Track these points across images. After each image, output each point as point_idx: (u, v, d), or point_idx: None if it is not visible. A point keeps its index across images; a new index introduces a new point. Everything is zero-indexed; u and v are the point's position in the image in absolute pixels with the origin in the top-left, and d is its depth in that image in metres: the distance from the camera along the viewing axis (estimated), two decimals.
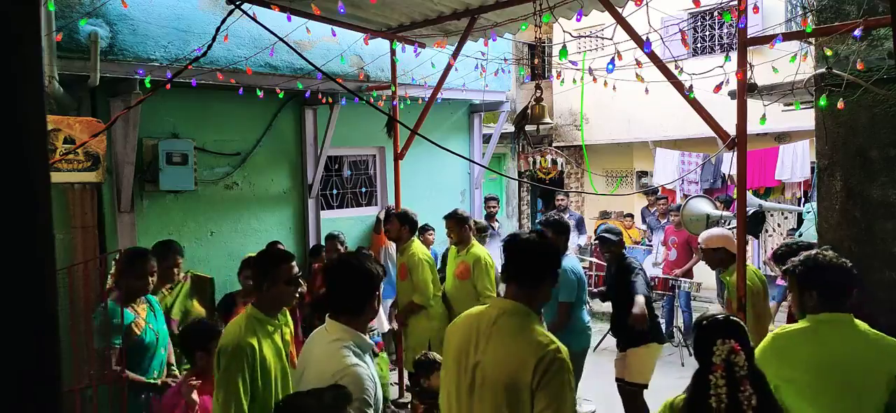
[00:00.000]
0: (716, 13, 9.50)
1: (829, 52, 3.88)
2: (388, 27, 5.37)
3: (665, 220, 8.72)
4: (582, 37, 5.62)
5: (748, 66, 3.58)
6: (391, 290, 5.81)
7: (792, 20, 7.06)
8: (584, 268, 7.92)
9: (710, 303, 8.91)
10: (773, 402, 2.02)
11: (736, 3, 3.60)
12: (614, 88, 4.99)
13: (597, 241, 5.27)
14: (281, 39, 3.80)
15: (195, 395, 3.07)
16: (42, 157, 0.66)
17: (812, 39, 4.19)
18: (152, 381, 3.53)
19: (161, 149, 5.55)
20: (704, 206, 5.84)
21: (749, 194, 6.97)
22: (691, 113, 3.78)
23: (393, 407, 5.64)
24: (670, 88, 3.83)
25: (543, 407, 1.96)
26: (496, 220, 8.45)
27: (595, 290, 5.73)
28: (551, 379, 1.97)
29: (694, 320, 2.24)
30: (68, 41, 4.73)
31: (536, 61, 11.73)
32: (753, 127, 3.87)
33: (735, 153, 3.60)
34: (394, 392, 5.88)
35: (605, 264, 6.72)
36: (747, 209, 4.12)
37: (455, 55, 5.28)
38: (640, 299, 4.54)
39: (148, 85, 4.84)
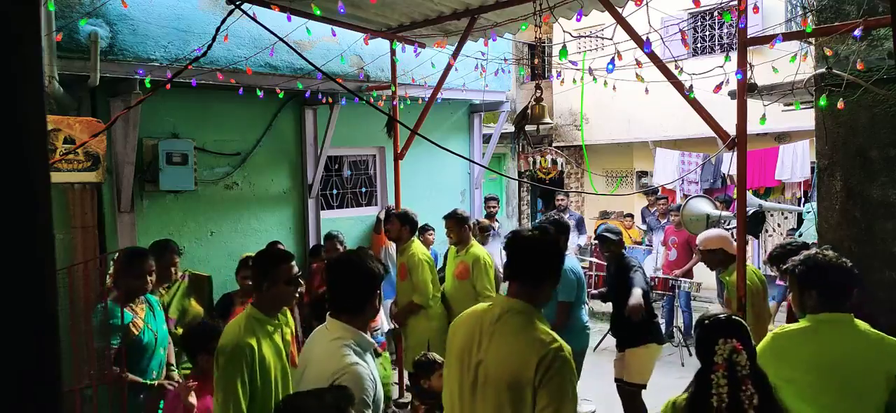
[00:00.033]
0: (716, 13, 9.50)
1: (828, 53, 3.88)
2: (388, 27, 5.37)
3: (665, 220, 8.72)
4: (582, 37, 5.62)
5: (748, 66, 3.58)
6: (391, 290, 5.81)
7: (792, 20, 7.06)
8: (583, 268, 7.93)
9: (709, 303, 8.90)
10: (774, 402, 2.02)
11: (736, 3, 3.60)
12: (614, 88, 5.00)
13: (597, 241, 5.27)
14: (281, 39, 3.80)
15: (193, 398, 3.07)
16: (42, 157, 0.66)
17: (812, 39, 4.19)
18: (150, 381, 3.53)
19: (161, 149, 5.55)
20: (704, 206, 5.83)
21: (749, 194, 6.97)
22: (691, 113, 3.78)
23: (393, 407, 5.63)
24: (670, 88, 3.83)
25: (545, 405, 1.95)
26: (496, 220, 8.44)
27: (595, 292, 5.74)
28: (553, 377, 1.97)
29: (695, 320, 2.24)
30: (68, 41, 4.73)
31: (536, 61, 11.73)
32: (753, 127, 3.87)
33: (735, 153, 3.60)
34: (394, 392, 5.88)
35: (604, 264, 6.73)
36: (747, 209, 4.12)
37: (455, 55, 5.28)
38: (637, 291, 4.55)
39: (148, 85, 4.85)
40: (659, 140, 10.46)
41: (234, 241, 6.25)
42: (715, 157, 8.83)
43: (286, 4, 4.44)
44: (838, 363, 2.39)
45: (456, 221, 5.21)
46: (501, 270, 5.75)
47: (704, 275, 7.62)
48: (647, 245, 9.43)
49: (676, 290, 7.62)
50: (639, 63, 4.29)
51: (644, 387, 4.75)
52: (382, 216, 6.44)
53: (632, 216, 10.46)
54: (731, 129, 3.64)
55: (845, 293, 2.49)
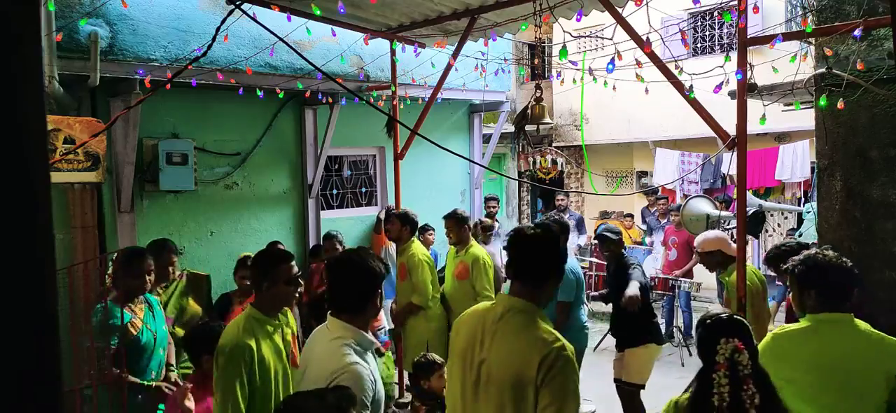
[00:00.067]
0: (716, 13, 9.50)
1: (828, 53, 3.88)
2: (388, 27, 5.37)
3: (665, 221, 8.72)
4: (582, 37, 5.62)
5: (748, 66, 3.58)
6: (391, 290, 5.81)
7: (792, 20, 7.06)
8: (583, 268, 7.93)
9: (709, 303, 8.91)
10: (776, 402, 2.01)
11: (736, 3, 3.60)
12: (614, 88, 4.99)
13: (596, 241, 5.28)
14: (281, 39, 3.80)
15: (190, 402, 3.07)
16: (42, 157, 0.66)
17: (812, 39, 4.19)
18: (149, 382, 3.53)
19: (161, 149, 5.55)
20: (704, 206, 5.83)
21: (749, 194, 6.97)
22: (691, 113, 3.79)
23: (393, 407, 5.63)
24: (670, 88, 3.83)
25: (547, 404, 1.95)
26: (496, 220, 8.44)
27: (596, 293, 5.74)
28: (555, 376, 1.96)
29: (697, 320, 2.23)
30: (68, 41, 4.73)
31: (536, 61, 11.73)
32: (753, 127, 3.87)
33: (735, 153, 3.60)
34: (394, 391, 5.87)
35: (604, 264, 6.73)
36: (747, 209, 4.13)
37: (455, 55, 5.28)
38: (634, 284, 4.57)
39: (148, 85, 4.85)
40: (659, 140, 10.46)
41: (234, 241, 6.25)
42: (715, 157, 8.83)
43: (286, 4, 4.44)
44: (838, 363, 2.39)
45: (456, 221, 5.20)
46: (502, 270, 5.77)
47: (704, 275, 7.62)
48: (647, 246, 9.43)
49: (676, 290, 7.62)
50: (639, 63, 4.29)
51: (643, 387, 4.75)
52: (382, 216, 6.44)
53: (632, 216, 10.46)
54: (731, 129, 3.64)
55: (845, 293, 2.49)
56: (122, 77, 5.04)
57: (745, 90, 3.59)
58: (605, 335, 7.21)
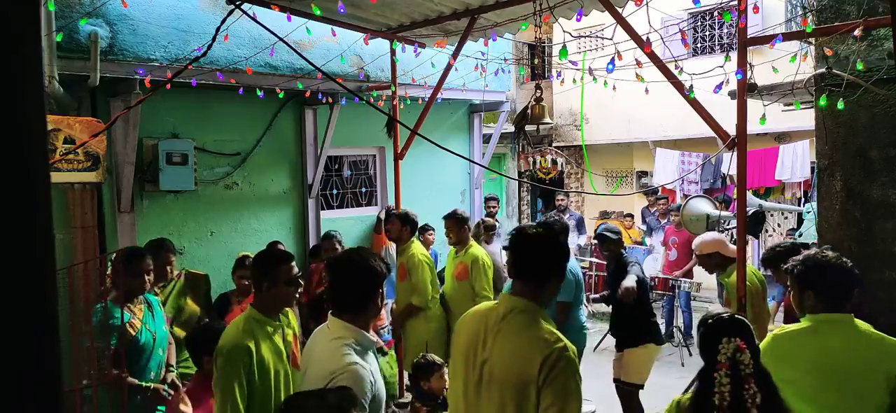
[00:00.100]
0: (716, 13, 9.50)
1: (828, 53, 3.88)
2: (388, 27, 5.37)
3: (665, 221, 8.72)
4: (582, 37, 5.62)
5: (748, 66, 3.58)
6: (391, 290, 5.81)
7: (792, 20, 7.06)
8: (583, 268, 7.94)
9: (709, 303, 8.91)
10: (778, 401, 2.01)
11: (736, 3, 3.60)
12: (614, 88, 4.99)
13: (596, 241, 5.28)
14: (281, 39, 3.80)
15: (186, 407, 3.07)
16: (42, 157, 0.66)
17: (812, 39, 4.19)
18: (147, 384, 3.52)
19: (161, 149, 5.55)
20: (704, 206, 5.83)
21: (749, 194, 6.97)
22: (691, 113, 3.78)
23: (393, 407, 5.63)
24: (670, 88, 3.82)
25: (549, 404, 1.94)
26: (496, 220, 8.44)
27: (597, 296, 5.75)
28: (557, 376, 1.95)
29: (698, 320, 2.23)
30: (68, 41, 4.73)
31: (536, 61, 11.73)
32: (753, 127, 3.87)
33: (735, 153, 3.60)
34: (396, 390, 5.87)
35: (604, 263, 6.73)
36: (747, 209, 4.13)
37: (455, 55, 5.28)
38: (631, 277, 4.60)
39: (148, 85, 4.85)
40: (659, 140, 10.46)
41: (234, 241, 6.25)
42: (715, 157, 8.83)
43: (286, 4, 4.44)
44: (838, 363, 2.39)
45: (455, 222, 5.20)
46: (505, 270, 5.76)
47: (704, 275, 7.58)
48: (647, 246, 9.43)
49: (676, 291, 7.62)
50: (639, 63, 4.28)
51: (641, 387, 4.75)
52: (383, 216, 6.44)
53: (632, 216, 10.46)
54: (731, 129, 3.64)
55: (845, 293, 2.49)
56: (122, 77, 5.04)
57: (745, 90, 3.59)
58: (605, 335, 7.21)
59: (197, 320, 4.25)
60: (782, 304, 6.72)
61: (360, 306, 2.34)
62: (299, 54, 4.04)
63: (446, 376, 3.65)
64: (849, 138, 3.92)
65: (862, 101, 3.77)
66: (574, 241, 8.46)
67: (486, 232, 6.39)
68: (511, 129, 8.59)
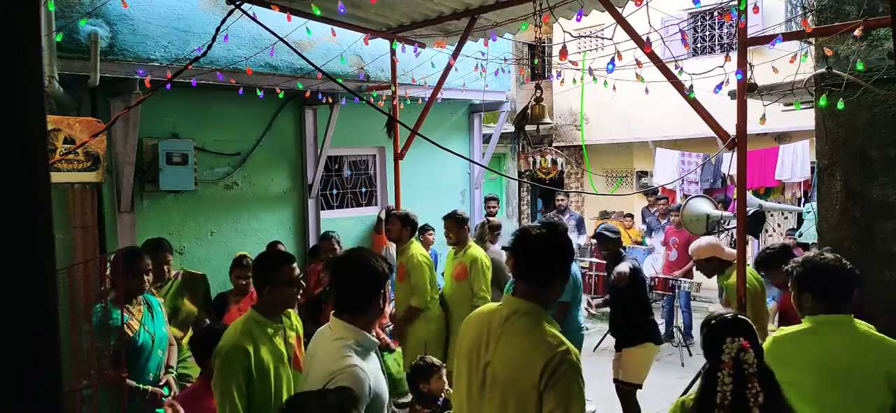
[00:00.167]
0: (716, 13, 9.50)
1: (828, 53, 3.89)
2: (388, 27, 5.37)
3: (665, 221, 8.72)
4: (582, 37, 5.62)
5: (748, 66, 3.58)
6: (391, 290, 5.80)
7: (792, 20, 7.06)
8: (583, 268, 7.94)
9: (709, 303, 8.92)
10: (781, 401, 2.01)
11: (736, 2, 3.60)
12: (614, 88, 5.00)
13: (595, 240, 5.29)
14: (281, 39, 3.80)
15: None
16: (42, 157, 0.66)
17: (812, 39, 4.19)
18: (145, 386, 3.52)
19: (161, 149, 5.55)
20: (704, 206, 5.83)
21: (749, 194, 6.97)
22: (691, 113, 3.78)
23: (393, 408, 5.62)
24: (670, 88, 3.83)
25: (552, 408, 1.92)
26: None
27: (600, 300, 5.76)
28: (559, 380, 1.93)
29: (699, 321, 2.23)
30: (68, 41, 4.73)
31: (537, 61, 11.74)
32: (753, 127, 3.87)
33: (735, 153, 3.60)
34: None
35: (604, 263, 6.73)
36: (747, 209, 4.13)
37: (455, 55, 5.28)
38: (625, 263, 4.68)
39: (148, 85, 4.85)
40: (659, 140, 10.46)
41: (234, 241, 6.24)
42: (715, 157, 8.83)
43: (286, 4, 4.44)
44: (839, 364, 2.39)
45: (455, 222, 5.20)
46: (508, 269, 5.76)
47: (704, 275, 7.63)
48: (647, 246, 9.43)
49: (676, 291, 7.62)
50: (639, 63, 4.29)
51: (639, 386, 4.74)
52: (383, 216, 6.43)
53: (632, 216, 10.46)
54: (731, 129, 3.64)
55: (844, 295, 2.49)
56: (122, 77, 5.04)
57: (745, 90, 3.59)
58: (605, 335, 7.21)
59: (195, 321, 4.25)
60: (778, 305, 6.73)
61: (363, 306, 2.32)
62: (299, 54, 4.04)
63: (445, 377, 3.65)
64: (849, 138, 3.93)
65: (862, 101, 3.77)
66: (574, 241, 8.43)
67: (491, 232, 6.38)
68: (511, 129, 8.59)
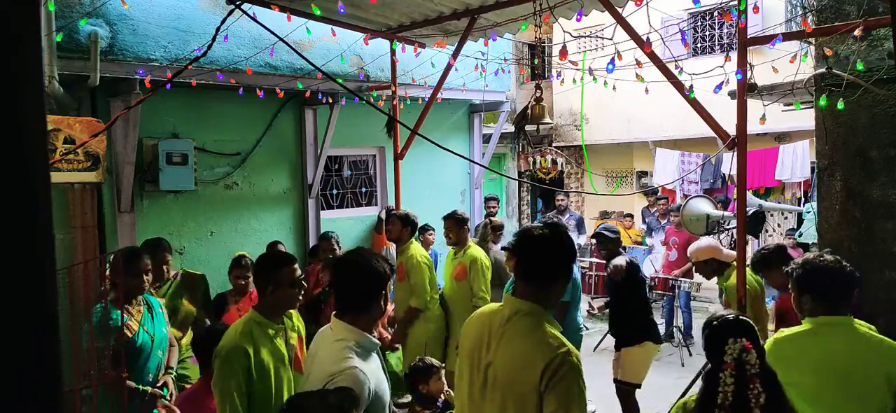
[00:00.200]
0: (716, 13, 9.50)
1: (828, 53, 3.89)
2: (388, 27, 5.37)
3: (665, 221, 8.72)
4: (582, 37, 5.62)
5: (748, 66, 3.58)
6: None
7: (792, 20, 7.06)
8: (583, 268, 7.93)
9: (709, 303, 8.92)
10: (783, 401, 2.01)
11: (736, 2, 3.60)
12: (614, 88, 5.00)
13: (594, 240, 5.30)
14: (281, 39, 3.80)
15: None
16: (42, 157, 0.65)
17: (812, 39, 4.19)
18: (144, 388, 3.51)
19: (161, 149, 5.55)
20: (704, 206, 5.83)
21: (749, 194, 6.97)
22: (691, 113, 3.78)
23: (393, 407, 5.62)
24: (670, 88, 3.83)
25: (552, 410, 1.92)
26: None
27: (602, 302, 5.77)
28: (560, 381, 1.92)
29: (700, 322, 2.23)
30: (68, 41, 4.73)
31: (537, 61, 11.74)
32: (753, 127, 3.87)
33: (735, 153, 3.60)
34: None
35: (604, 263, 6.73)
36: (747, 209, 4.13)
37: (455, 55, 5.28)
38: (621, 257, 4.73)
39: (148, 85, 4.85)
40: (659, 140, 10.46)
41: (234, 241, 6.24)
42: (715, 157, 8.83)
43: (286, 4, 4.44)
44: (839, 365, 2.40)
45: (455, 222, 5.19)
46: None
47: None
48: (647, 246, 9.43)
49: (676, 291, 7.62)
50: (639, 63, 4.29)
51: (638, 386, 4.74)
52: (383, 216, 6.43)
53: (632, 216, 10.46)
54: (731, 129, 3.64)
55: (844, 296, 2.49)
56: (122, 77, 5.04)
57: (745, 90, 3.59)
58: (605, 335, 7.21)
59: (194, 321, 4.24)
60: (776, 306, 6.73)
61: (364, 307, 2.32)
62: (299, 54, 4.04)
63: (444, 378, 3.65)
64: (849, 138, 3.93)
65: (862, 101, 3.77)
66: (574, 241, 8.44)
67: (494, 232, 6.39)
68: (511, 129, 8.59)
